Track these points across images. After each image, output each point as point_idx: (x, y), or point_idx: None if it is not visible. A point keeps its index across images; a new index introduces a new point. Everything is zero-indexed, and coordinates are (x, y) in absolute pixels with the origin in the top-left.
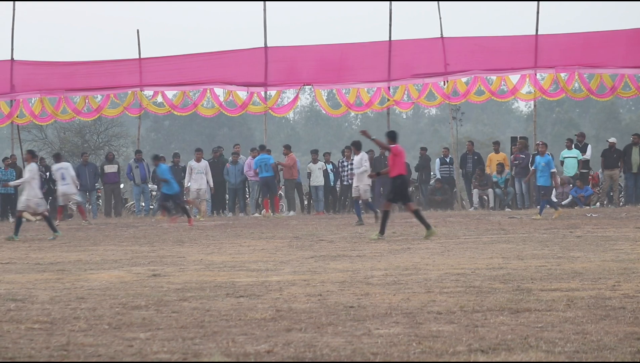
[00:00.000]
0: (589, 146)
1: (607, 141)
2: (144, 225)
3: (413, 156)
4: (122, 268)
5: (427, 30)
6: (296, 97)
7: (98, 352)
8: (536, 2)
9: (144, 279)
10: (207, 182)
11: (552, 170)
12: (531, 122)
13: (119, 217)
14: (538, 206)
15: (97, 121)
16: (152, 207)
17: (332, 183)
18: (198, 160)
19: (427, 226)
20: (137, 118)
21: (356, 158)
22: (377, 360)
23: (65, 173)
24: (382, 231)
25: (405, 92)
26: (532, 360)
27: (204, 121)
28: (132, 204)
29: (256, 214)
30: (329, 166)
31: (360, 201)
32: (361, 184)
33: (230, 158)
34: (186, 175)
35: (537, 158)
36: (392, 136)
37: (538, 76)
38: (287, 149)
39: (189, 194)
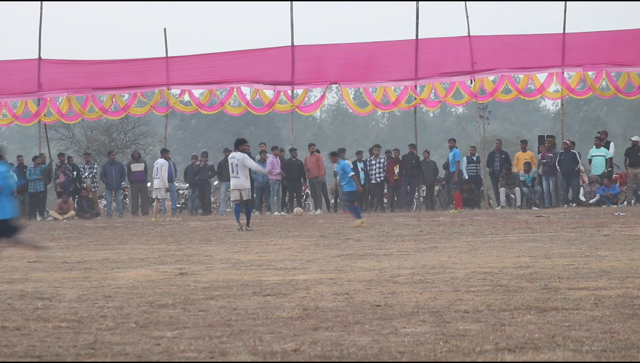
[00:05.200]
0: (612, 144)
1: (631, 139)
2: (170, 224)
3: (440, 155)
4: (149, 266)
5: (454, 28)
6: (323, 96)
7: (125, 350)
8: (563, 0)
9: (171, 278)
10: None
11: (351, 174)
12: (558, 120)
13: (145, 216)
14: (565, 206)
15: (124, 119)
16: (178, 206)
17: (362, 181)
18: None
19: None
20: (164, 117)
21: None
22: (404, 359)
23: (159, 168)
24: None
25: (432, 90)
26: (559, 359)
27: (230, 119)
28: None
29: (282, 213)
30: (360, 165)
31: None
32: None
33: (258, 156)
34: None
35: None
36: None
37: (565, 75)
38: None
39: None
